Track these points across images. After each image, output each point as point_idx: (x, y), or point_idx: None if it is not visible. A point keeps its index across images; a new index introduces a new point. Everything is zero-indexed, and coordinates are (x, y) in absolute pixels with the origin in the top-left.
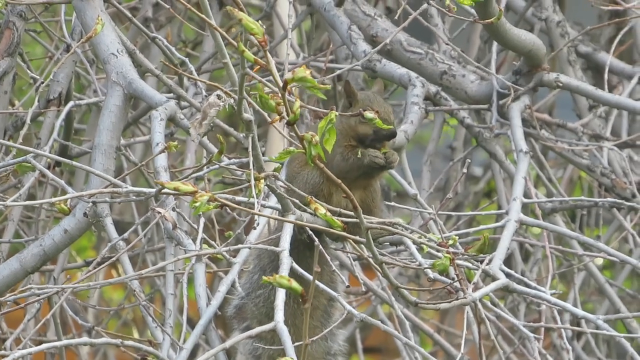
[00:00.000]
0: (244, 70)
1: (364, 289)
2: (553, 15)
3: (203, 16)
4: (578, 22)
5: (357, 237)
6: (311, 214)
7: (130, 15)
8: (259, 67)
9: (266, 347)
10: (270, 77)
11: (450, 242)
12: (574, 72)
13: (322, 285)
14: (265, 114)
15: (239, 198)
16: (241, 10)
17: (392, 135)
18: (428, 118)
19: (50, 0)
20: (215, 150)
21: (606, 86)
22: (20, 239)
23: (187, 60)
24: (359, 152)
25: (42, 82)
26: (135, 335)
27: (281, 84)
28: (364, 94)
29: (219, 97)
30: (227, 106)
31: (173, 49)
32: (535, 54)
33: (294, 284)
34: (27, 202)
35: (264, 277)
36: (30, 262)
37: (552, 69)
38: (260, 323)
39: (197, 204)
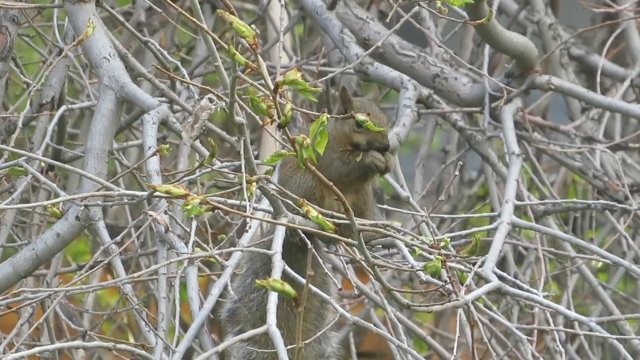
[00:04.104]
0: (235, 74)
1: (356, 292)
2: (545, 18)
3: (194, 20)
4: (571, 25)
5: (349, 240)
6: (303, 216)
7: (123, 19)
8: (250, 70)
9: (259, 350)
10: (262, 80)
11: (442, 244)
12: (567, 74)
13: (314, 289)
14: (257, 118)
15: (231, 201)
16: (232, 13)
17: (385, 147)
18: (420, 121)
19: (43, 4)
20: (208, 153)
21: (598, 88)
22: (13, 243)
23: (179, 64)
24: (361, 155)
25: (35, 87)
26: (131, 339)
27: (272, 87)
28: (360, 102)
29: (210, 100)
30: (219, 109)
31: (165, 53)
32: (527, 57)
33: (287, 288)
34: (20, 206)
35: (257, 281)
36: (23, 266)
37: (545, 71)
38: (253, 326)
39: (188, 207)
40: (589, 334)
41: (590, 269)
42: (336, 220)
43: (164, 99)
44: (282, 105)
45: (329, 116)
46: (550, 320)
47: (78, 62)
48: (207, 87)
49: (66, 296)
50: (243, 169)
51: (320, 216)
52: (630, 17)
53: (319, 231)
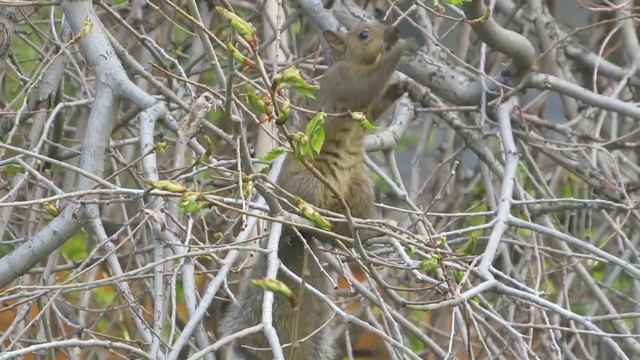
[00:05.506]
0: (232, 71)
1: (352, 291)
2: (542, 17)
3: (191, 17)
4: (567, 23)
5: (345, 237)
6: (299, 215)
7: (119, 17)
8: (248, 67)
9: (255, 349)
10: (260, 79)
11: (438, 242)
12: (563, 73)
13: (310, 287)
14: (254, 116)
15: (227, 199)
16: (230, 10)
17: (397, 30)
18: (417, 120)
19: (40, 2)
20: (204, 151)
21: (595, 87)
22: (9, 240)
23: (176, 62)
24: (379, 57)
25: (32, 84)
26: (126, 337)
27: (270, 84)
28: (345, 33)
29: (207, 98)
30: (215, 107)
31: (162, 50)
32: (524, 55)
33: (284, 288)
34: (16, 203)
35: (254, 281)
36: (20, 263)
37: (541, 70)
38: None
39: (185, 203)
40: (585, 333)
41: (586, 268)
42: (333, 219)
43: (160, 96)
44: (279, 102)
45: (325, 114)
46: (547, 318)
47: (75, 59)
48: (204, 85)
49: (62, 294)
50: (239, 168)
51: (316, 214)
52: (627, 16)
53: (315, 229)
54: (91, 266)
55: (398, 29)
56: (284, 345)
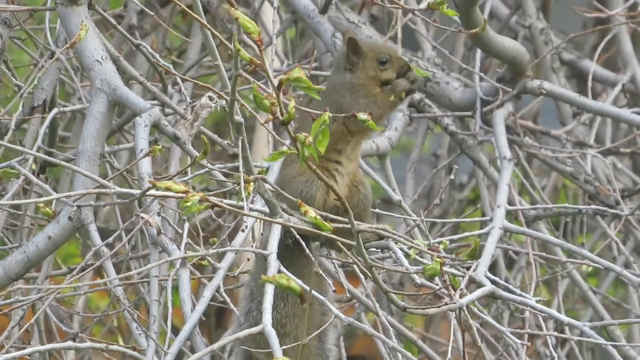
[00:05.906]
0: (236, 71)
1: (347, 296)
2: (537, 23)
3: (195, 15)
4: (562, 29)
5: (348, 241)
6: (299, 218)
7: (114, 22)
8: (254, 66)
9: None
10: (260, 80)
11: (441, 246)
12: (558, 79)
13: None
14: (257, 116)
15: (226, 201)
16: (236, 9)
17: (410, 69)
18: (412, 125)
19: (35, 7)
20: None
21: (590, 93)
22: (4, 246)
23: (171, 67)
24: (392, 96)
25: (26, 89)
26: (121, 342)
27: (275, 84)
28: (367, 45)
29: (210, 98)
30: (219, 108)
31: (157, 56)
32: (518, 61)
33: (293, 284)
34: (12, 202)
35: (263, 277)
36: (14, 268)
37: (536, 76)
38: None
39: (188, 204)
40: (582, 339)
41: (580, 274)
42: (333, 223)
43: (155, 102)
44: (284, 103)
45: (330, 115)
46: (543, 325)
47: (70, 65)
48: (207, 85)
49: (56, 299)
50: (241, 168)
51: (318, 217)
52: (622, 22)
53: (315, 231)
54: (86, 271)
55: (410, 67)
56: (284, 347)
